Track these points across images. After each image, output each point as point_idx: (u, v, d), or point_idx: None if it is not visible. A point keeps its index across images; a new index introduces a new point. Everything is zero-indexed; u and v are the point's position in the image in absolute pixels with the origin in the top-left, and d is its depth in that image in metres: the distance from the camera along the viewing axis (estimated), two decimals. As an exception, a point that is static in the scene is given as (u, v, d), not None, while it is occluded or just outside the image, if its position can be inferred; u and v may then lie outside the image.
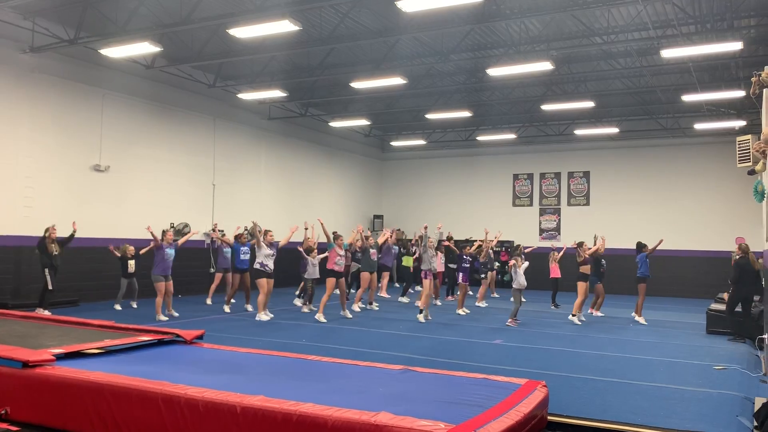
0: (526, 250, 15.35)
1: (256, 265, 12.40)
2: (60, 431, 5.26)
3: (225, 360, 6.64)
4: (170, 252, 12.26)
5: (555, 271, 15.66)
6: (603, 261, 13.70)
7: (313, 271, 13.71)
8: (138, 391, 4.99)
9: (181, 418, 4.76)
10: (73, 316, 9.86)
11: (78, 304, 13.08)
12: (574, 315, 12.82)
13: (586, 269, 13.05)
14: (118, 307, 13.29)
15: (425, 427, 4.08)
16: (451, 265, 16.87)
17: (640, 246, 13.41)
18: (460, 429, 4.06)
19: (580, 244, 13.35)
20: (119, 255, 13.45)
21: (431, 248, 12.95)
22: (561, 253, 15.90)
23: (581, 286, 12.96)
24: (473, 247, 15.24)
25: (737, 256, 11.53)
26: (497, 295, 17.97)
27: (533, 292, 17.45)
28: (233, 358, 6.75)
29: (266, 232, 12.70)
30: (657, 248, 13.37)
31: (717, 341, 10.84)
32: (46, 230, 12.16)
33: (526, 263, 12.83)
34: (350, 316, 12.62)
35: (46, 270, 11.94)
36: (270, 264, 12.38)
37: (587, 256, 13.07)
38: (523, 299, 13.09)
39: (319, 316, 12.29)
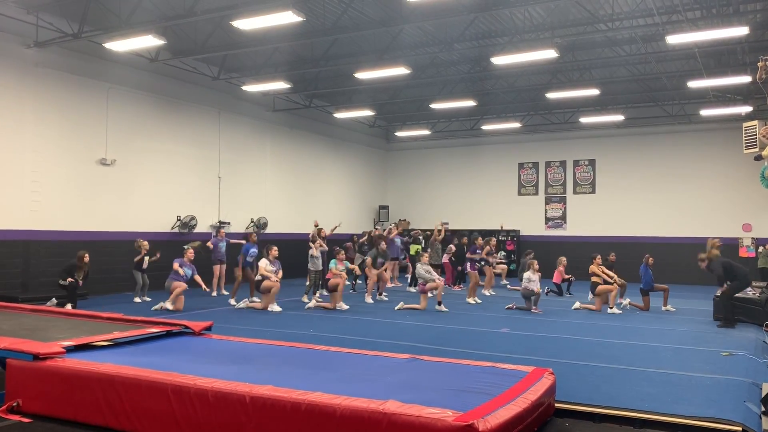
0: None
1: (258, 277, 12.51)
2: (71, 422, 5.31)
3: (233, 351, 6.68)
4: (188, 272, 12.29)
5: (557, 277, 15.70)
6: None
7: (316, 263, 13.74)
8: (148, 382, 5.03)
9: (191, 408, 4.80)
10: (82, 309, 9.93)
11: (87, 297, 13.15)
12: (611, 307, 12.80)
13: (597, 279, 13.06)
14: (137, 299, 13.39)
15: (433, 414, 4.10)
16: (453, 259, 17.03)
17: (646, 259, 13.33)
18: (467, 416, 4.08)
19: (594, 257, 13.38)
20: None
21: (426, 263, 13.17)
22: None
23: (602, 289, 12.97)
24: (484, 250, 15.32)
25: (713, 257, 11.30)
26: (507, 282, 17.97)
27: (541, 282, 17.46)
28: (242, 349, 6.79)
29: (270, 247, 12.75)
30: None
31: (724, 327, 10.82)
32: (79, 258, 11.96)
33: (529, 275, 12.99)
34: (346, 306, 12.65)
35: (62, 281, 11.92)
36: (273, 277, 12.49)
37: (601, 273, 13.09)
38: (537, 289, 13.11)
39: (341, 305, 12.48)
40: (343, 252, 13.21)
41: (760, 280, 15.72)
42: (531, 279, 12.93)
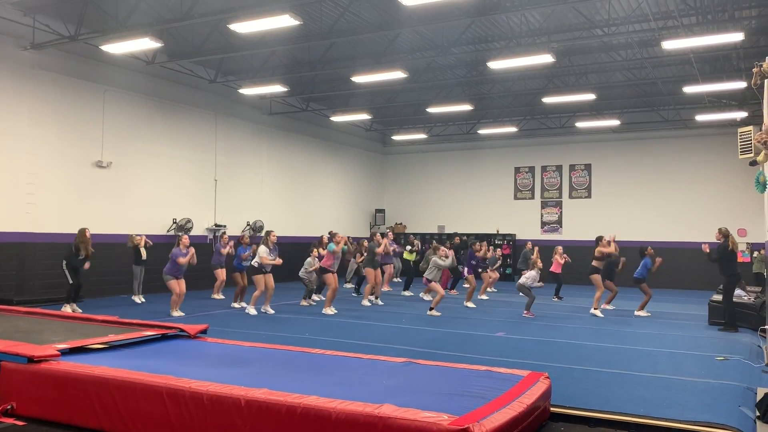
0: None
1: (254, 263, 12.43)
2: (66, 425, 5.30)
3: (229, 354, 6.67)
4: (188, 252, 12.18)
5: (556, 267, 15.67)
6: (622, 258, 13.54)
7: (308, 269, 13.79)
8: (143, 385, 5.02)
9: (186, 412, 4.79)
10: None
11: (83, 300, 13.10)
12: (595, 309, 12.82)
13: (599, 263, 13.06)
14: (136, 299, 13.36)
15: (428, 418, 4.10)
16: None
17: (643, 249, 13.33)
18: (463, 420, 4.08)
19: (599, 239, 13.38)
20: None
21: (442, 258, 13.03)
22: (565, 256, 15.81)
23: (596, 279, 12.99)
24: (481, 251, 15.30)
25: (730, 242, 11.47)
26: (494, 290, 18.05)
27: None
28: (237, 352, 6.78)
29: (270, 233, 12.62)
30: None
31: (719, 332, 10.85)
32: (82, 233, 12.13)
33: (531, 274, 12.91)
34: (334, 311, 12.64)
35: (64, 263, 11.93)
36: (267, 267, 12.39)
37: (603, 253, 13.06)
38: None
39: (327, 310, 12.49)
40: (339, 235, 13.18)
41: (755, 285, 15.77)
42: (535, 278, 12.85)
